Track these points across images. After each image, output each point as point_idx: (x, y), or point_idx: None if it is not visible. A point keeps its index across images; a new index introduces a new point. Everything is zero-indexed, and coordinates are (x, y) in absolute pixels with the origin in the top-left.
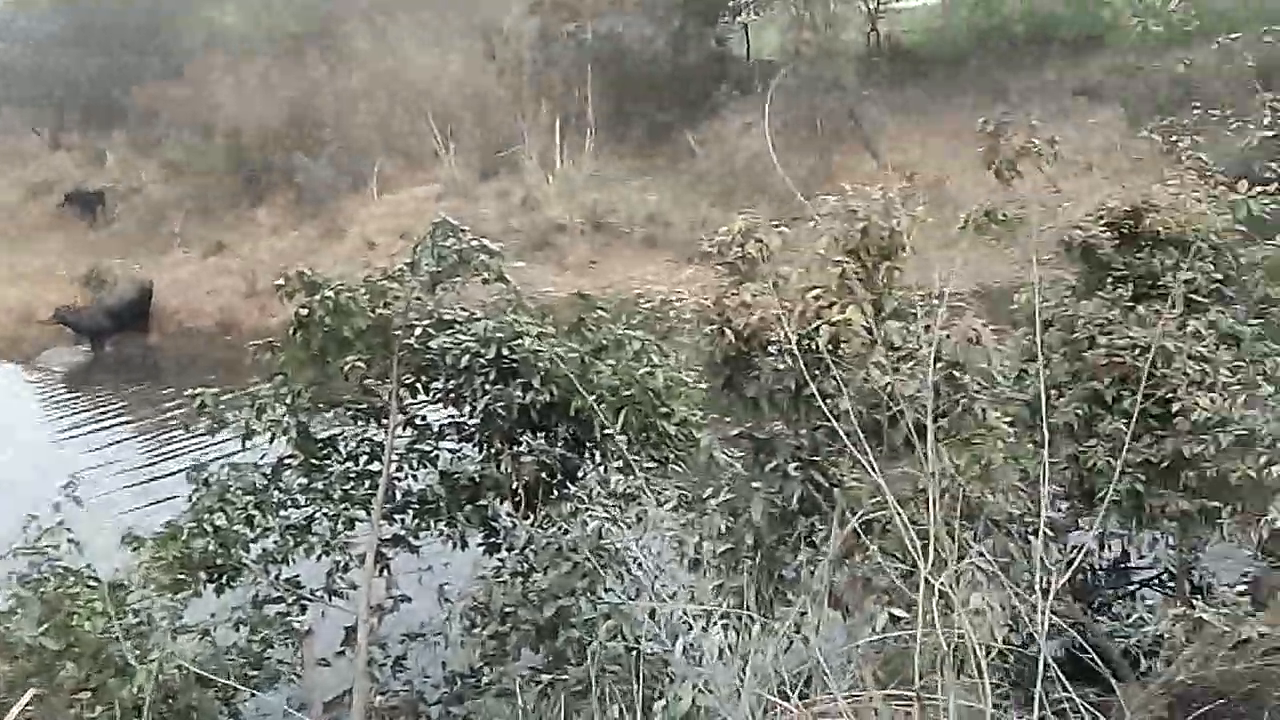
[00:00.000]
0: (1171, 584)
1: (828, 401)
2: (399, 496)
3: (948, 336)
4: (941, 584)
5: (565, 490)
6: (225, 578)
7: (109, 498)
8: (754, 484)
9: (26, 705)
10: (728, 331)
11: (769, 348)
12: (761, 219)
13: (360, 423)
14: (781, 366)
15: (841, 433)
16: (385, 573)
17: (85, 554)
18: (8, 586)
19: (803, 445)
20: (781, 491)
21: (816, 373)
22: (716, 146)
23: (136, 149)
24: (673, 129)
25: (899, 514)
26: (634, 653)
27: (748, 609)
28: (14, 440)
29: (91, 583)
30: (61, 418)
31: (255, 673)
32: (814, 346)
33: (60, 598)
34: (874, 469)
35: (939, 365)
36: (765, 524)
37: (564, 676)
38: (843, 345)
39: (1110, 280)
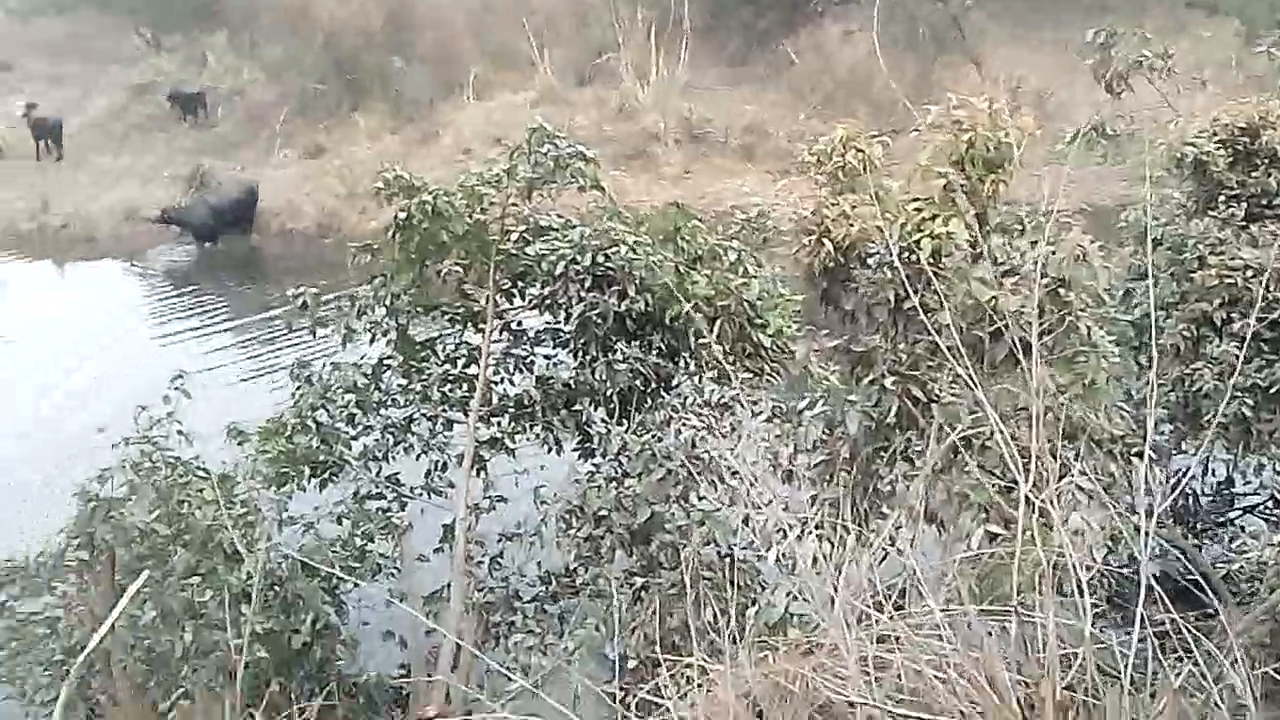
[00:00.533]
0: (1277, 511)
1: (928, 315)
2: (495, 400)
3: (1054, 253)
4: (1041, 501)
5: (659, 398)
6: (328, 473)
7: (214, 392)
8: (850, 397)
9: (142, 587)
10: (826, 242)
11: (868, 260)
12: (862, 129)
13: (458, 326)
14: (880, 279)
15: (942, 347)
16: (482, 473)
17: (194, 445)
18: (122, 474)
19: (900, 359)
20: (878, 405)
21: (917, 286)
22: (815, 55)
23: (237, 50)
24: (770, 37)
25: (1000, 430)
26: (726, 559)
27: (842, 521)
28: (121, 336)
29: (200, 473)
30: (165, 315)
31: (357, 565)
32: (915, 259)
33: (171, 486)
34: (974, 384)
35: (1044, 282)
36: (861, 437)
37: (657, 580)
38: (944, 259)
39: (1223, 199)
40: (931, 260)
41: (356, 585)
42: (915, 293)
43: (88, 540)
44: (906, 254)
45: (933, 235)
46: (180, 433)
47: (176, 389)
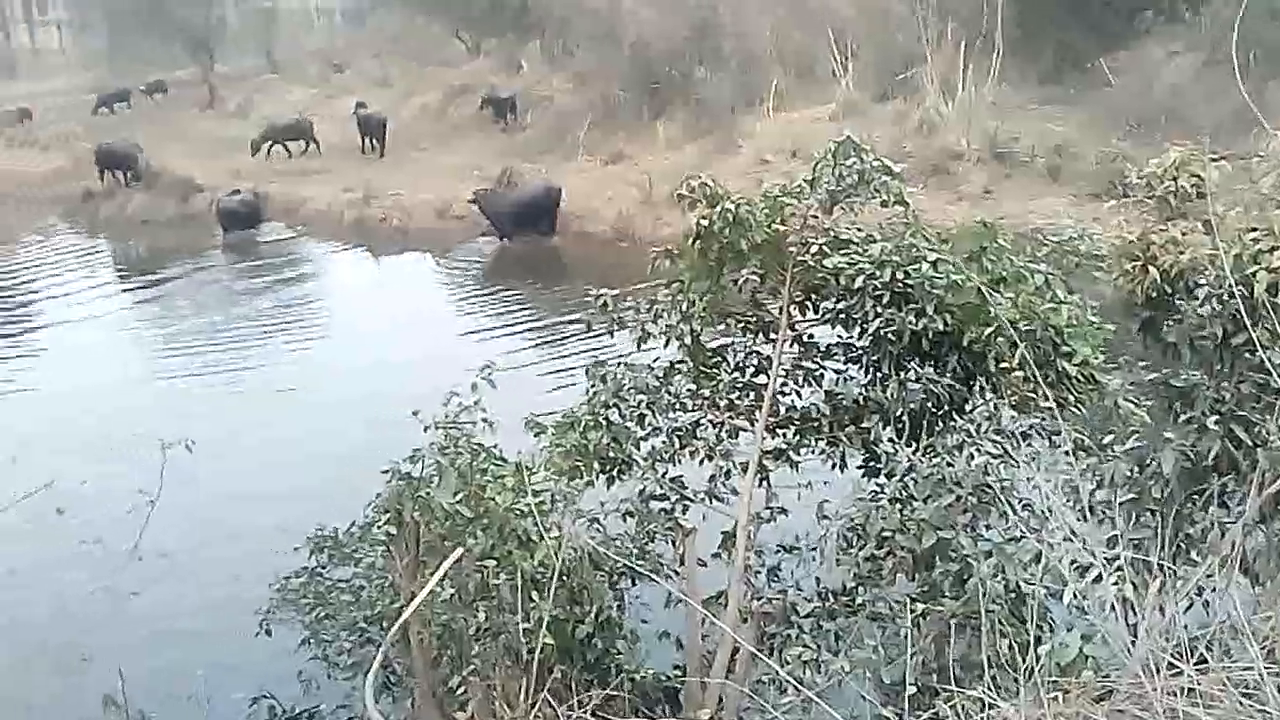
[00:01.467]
0: None
1: (1260, 353)
2: (782, 411)
3: None
4: None
5: (951, 422)
6: (616, 470)
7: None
8: (1165, 434)
9: (440, 565)
10: (1152, 270)
11: (1195, 291)
12: (1197, 152)
13: (749, 335)
14: (1209, 312)
15: (1273, 387)
16: (765, 483)
17: (494, 434)
18: (430, 455)
19: (1223, 398)
20: (1196, 445)
21: (1250, 321)
22: (1134, 76)
23: (549, 58)
24: (1086, 55)
25: None
26: (1013, 594)
27: (1146, 564)
28: (427, 326)
29: (498, 461)
30: (468, 309)
31: (640, 563)
32: (1249, 292)
33: (472, 471)
34: None
35: None
36: (1175, 477)
37: (939, 608)
38: None
39: None
40: (1268, 294)
41: (634, 583)
42: (1248, 328)
43: (396, 516)
44: (1240, 286)
45: (1269, 269)
46: (485, 420)
47: (484, 379)
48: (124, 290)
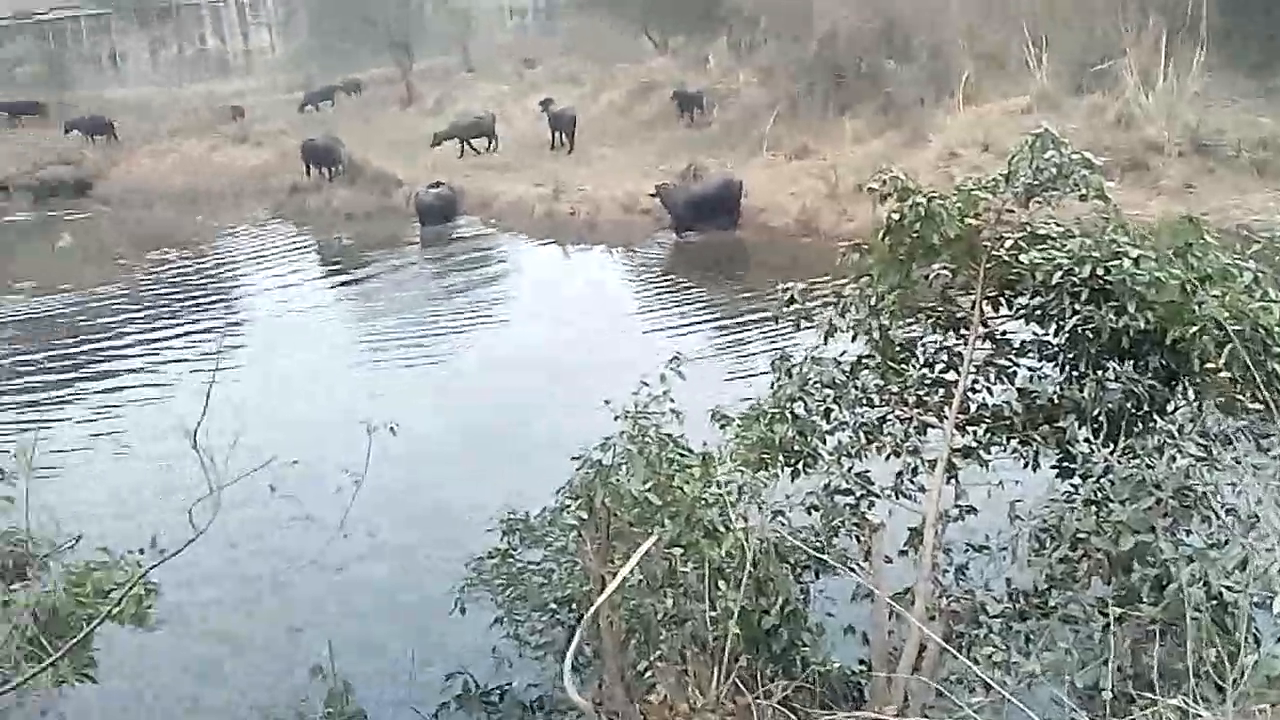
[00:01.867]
0: None
1: None
2: (973, 408)
3: None
4: None
5: (1150, 423)
6: (800, 463)
7: (694, 377)
8: None
9: (629, 552)
10: None
11: None
12: None
13: (939, 331)
14: None
15: None
16: (954, 481)
17: (681, 425)
18: (620, 443)
19: None
20: None
21: None
22: None
23: (736, 54)
24: None
25: None
26: (1216, 602)
27: None
28: (612, 316)
29: (684, 451)
30: (652, 301)
31: (824, 556)
32: None
33: (661, 460)
34: None
35: None
36: None
37: (1135, 613)
38: None
39: None
40: None
41: (817, 576)
42: None
43: (587, 501)
44: None
45: None
46: (673, 411)
47: (672, 370)
48: (327, 280)
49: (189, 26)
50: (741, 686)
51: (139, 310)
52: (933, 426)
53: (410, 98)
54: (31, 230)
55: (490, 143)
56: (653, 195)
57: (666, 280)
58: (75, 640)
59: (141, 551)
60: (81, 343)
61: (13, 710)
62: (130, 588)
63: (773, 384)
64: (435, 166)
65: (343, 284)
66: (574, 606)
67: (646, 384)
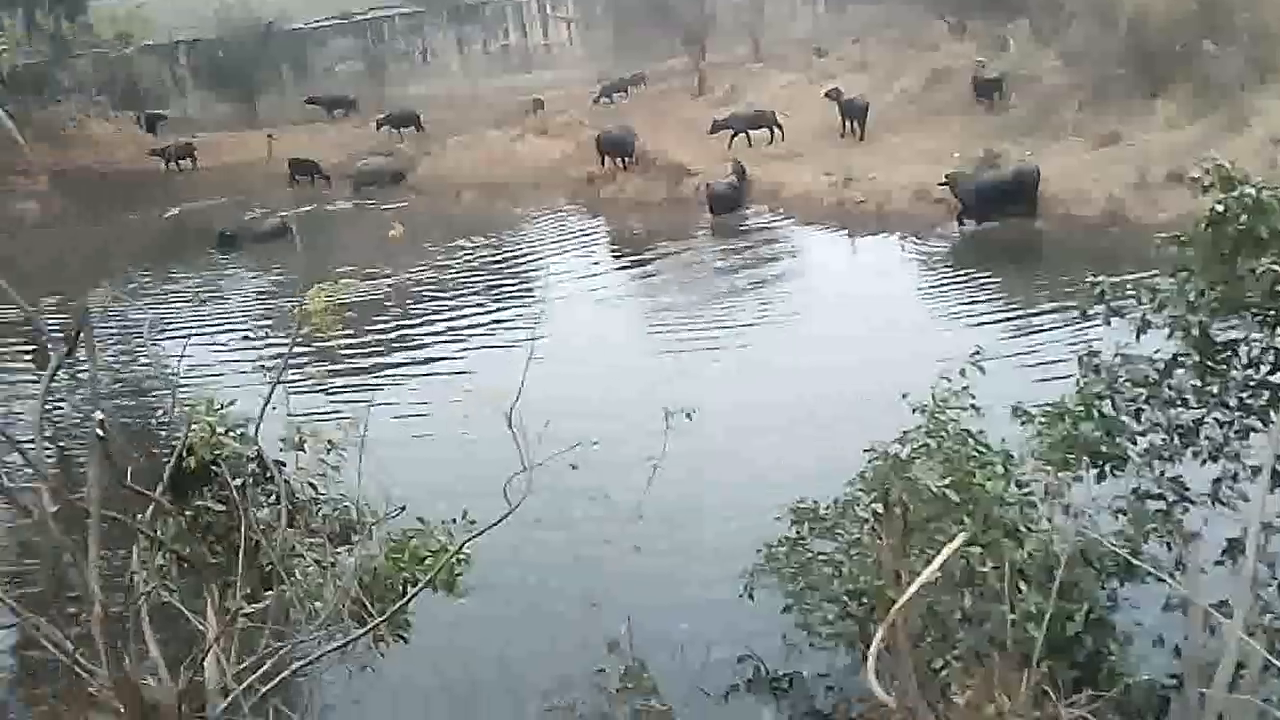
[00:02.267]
0: None
1: None
2: None
3: None
4: None
5: None
6: (1108, 465)
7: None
8: None
9: (925, 549)
10: None
11: None
12: None
13: (1267, 330)
14: None
15: None
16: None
17: (981, 420)
18: (919, 437)
19: None
20: None
21: None
22: None
23: (1038, 37)
24: None
25: None
26: None
27: None
28: (901, 307)
29: (984, 447)
30: (943, 292)
31: (1136, 562)
32: None
33: (960, 456)
34: None
35: None
36: None
37: None
38: None
39: None
40: None
41: (1122, 584)
42: None
43: (883, 494)
44: None
45: None
46: (974, 406)
47: (973, 364)
48: (621, 266)
49: (493, 23)
50: (1047, 693)
51: (447, 296)
52: (1256, 430)
53: (701, 89)
54: (357, 218)
55: (772, 134)
56: (943, 184)
57: (959, 270)
58: (401, 603)
59: (454, 522)
60: (398, 327)
61: (334, 664)
62: (451, 556)
63: (1078, 381)
64: (724, 156)
65: (634, 270)
66: (864, 599)
67: (946, 378)
